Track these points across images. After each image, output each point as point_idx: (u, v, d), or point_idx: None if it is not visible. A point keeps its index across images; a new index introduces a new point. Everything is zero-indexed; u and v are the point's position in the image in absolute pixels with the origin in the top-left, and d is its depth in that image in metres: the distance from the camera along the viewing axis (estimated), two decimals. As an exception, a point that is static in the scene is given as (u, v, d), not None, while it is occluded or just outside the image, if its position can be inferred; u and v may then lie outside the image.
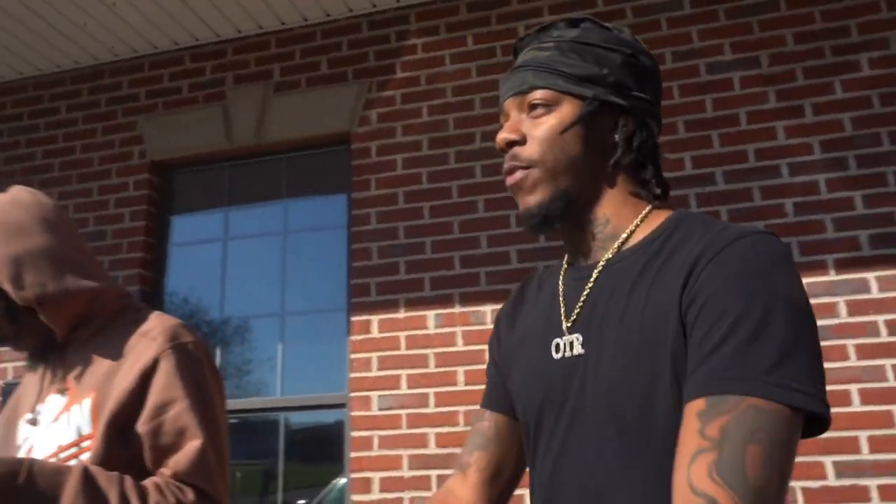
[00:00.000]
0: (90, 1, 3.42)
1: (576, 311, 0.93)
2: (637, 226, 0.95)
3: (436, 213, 3.30)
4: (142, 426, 1.21)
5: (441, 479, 2.98)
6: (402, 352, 3.17)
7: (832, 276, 2.83)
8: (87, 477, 1.12)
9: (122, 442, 1.22)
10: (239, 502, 3.42)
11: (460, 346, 3.11)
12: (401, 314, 3.22)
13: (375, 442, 3.09)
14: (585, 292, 0.93)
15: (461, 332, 3.13)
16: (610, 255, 0.94)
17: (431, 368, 3.12)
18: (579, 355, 0.90)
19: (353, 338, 3.24)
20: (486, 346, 3.08)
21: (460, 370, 3.08)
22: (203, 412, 1.25)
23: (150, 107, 3.82)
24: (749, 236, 0.83)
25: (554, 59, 0.95)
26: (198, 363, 1.29)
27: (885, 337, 2.72)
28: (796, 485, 2.63)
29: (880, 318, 2.74)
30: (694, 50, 3.22)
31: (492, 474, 1.04)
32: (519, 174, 0.94)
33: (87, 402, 1.26)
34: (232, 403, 3.43)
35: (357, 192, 3.42)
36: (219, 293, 3.61)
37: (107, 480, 1.14)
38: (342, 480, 3.29)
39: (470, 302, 3.16)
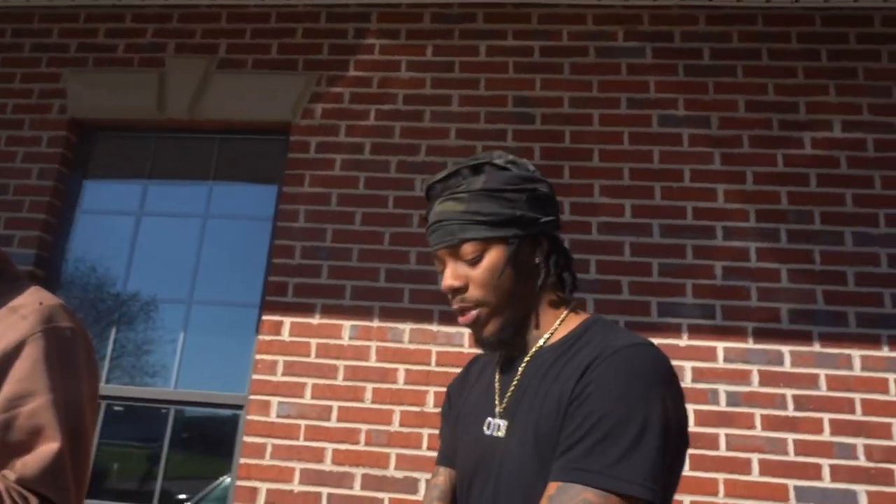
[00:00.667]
0: (30, -64, 3.16)
1: (507, 398, 1.11)
2: (556, 328, 1.13)
3: (368, 220, 3.18)
4: None
5: (332, 497, 2.84)
6: (312, 359, 3.02)
7: (749, 344, 2.86)
8: None
9: None
10: (117, 487, 3.18)
11: (373, 362, 2.99)
12: (315, 320, 3.07)
13: (268, 450, 2.93)
14: (514, 383, 1.12)
15: (376, 346, 3.01)
16: (534, 351, 1.12)
17: (339, 381, 2.99)
18: (500, 437, 1.08)
19: (262, 337, 3.07)
20: (400, 365, 2.97)
21: (369, 386, 2.96)
22: (67, 411, 1.07)
23: (80, 61, 3.56)
24: (635, 347, 0.99)
25: (473, 210, 1.10)
26: (72, 353, 1.11)
27: (791, 411, 2.76)
28: (688, 548, 2.62)
29: (789, 392, 2.79)
30: (649, 100, 3.22)
31: None
32: (472, 314, 1.11)
33: None
34: (124, 390, 3.20)
35: (288, 187, 3.26)
36: (125, 268, 3.37)
37: None
38: (228, 479, 3.10)
39: (390, 317, 3.04)
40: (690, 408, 2.80)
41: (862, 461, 2.68)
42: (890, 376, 2.77)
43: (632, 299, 2.96)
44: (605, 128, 3.21)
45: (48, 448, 1.04)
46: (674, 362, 2.85)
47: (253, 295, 3.26)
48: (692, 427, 2.77)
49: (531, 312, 1.13)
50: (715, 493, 2.68)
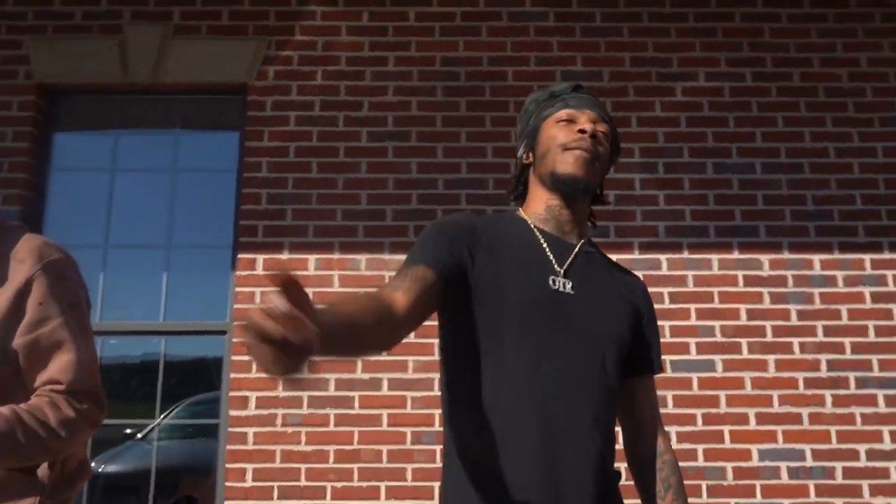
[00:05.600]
0: (-11, -85, 3.39)
1: (567, 264, 1.37)
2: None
3: (323, 168, 3.73)
4: (18, 339, 1.30)
5: (310, 398, 3.49)
6: (284, 289, 3.59)
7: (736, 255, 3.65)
8: None
9: (1, 356, 1.31)
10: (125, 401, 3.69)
11: (336, 288, 3.61)
12: (284, 255, 3.64)
13: (254, 365, 3.52)
14: (571, 258, 1.38)
15: (338, 276, 3.62)
16: (583, 242, 1.42)
17: (309, 305, 3.57)
18: (572, 294, 1.34)
19: (239, 273, 3.62)
20: (359, 290, 3.59)
21: (335, 308, 3.57)
22: (77, 326, 1.35)
23: (39, 28, 3.84)
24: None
25: (605, 111, 1.45)
26: (67, 277, 1.37)
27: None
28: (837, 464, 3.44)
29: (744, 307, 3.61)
30: (553, 58, 3.86)
31: (413, 306, 1.19)
32: (593, 152, 1.36)
33: None
34: (117, 325, 3.68)
35: (250, 141, 3.74)
36: (104, 221, 3.79)
37: (6, 422, 1.22)
38: (188, 401, 3.70)
39: (348, 250, 3.64)
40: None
41: None
42: None
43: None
44: (517, 83, 3.84)
45: (69, 357, 1.32)
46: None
47: (225, 237, 3.77)
48: None
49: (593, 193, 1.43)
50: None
